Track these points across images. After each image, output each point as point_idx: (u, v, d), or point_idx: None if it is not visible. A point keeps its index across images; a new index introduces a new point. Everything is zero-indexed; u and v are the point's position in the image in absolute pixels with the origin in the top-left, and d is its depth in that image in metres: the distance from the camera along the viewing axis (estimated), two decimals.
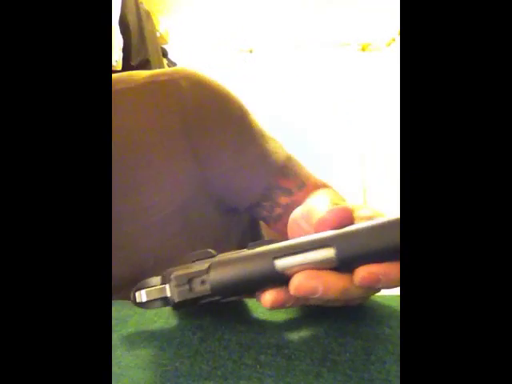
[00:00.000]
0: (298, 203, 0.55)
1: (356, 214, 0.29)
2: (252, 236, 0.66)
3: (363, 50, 3.06)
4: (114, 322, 0.32)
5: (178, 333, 0.28)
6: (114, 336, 0.29)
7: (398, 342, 0.25)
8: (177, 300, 0.26)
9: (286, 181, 0.56)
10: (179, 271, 0.27)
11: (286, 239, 0.26)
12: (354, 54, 3.06)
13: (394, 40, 2.84)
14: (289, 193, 0.56)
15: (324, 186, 0.60)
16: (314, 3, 2.74)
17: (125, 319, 0.31)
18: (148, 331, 0.29)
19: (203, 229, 0.54)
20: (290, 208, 0.55)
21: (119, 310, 0.34)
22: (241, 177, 0.53)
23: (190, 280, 0.26)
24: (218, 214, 0.57)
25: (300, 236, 0.30)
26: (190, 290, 0.26)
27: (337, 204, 0.29)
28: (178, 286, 0.26)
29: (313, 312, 0.30)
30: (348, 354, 0.24)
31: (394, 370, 0.22)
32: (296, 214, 0.32)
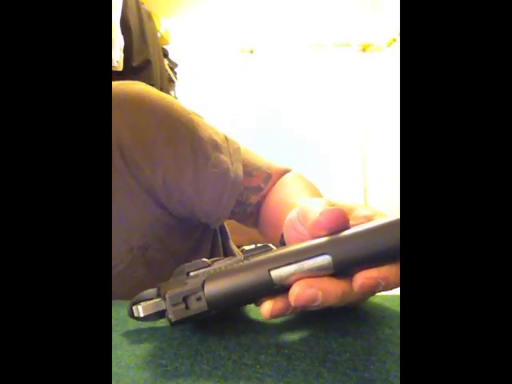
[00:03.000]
0: (266, 195, 0.55)
1: (353, 214, 0.29)
2: (222, 236, 0.64)
3: (364, 50, 3.05)
4: (113, 322, 0.32)
5: (178, 333, 0.28)
6: (114, 336, 0.29)
7: (398, 342, 0.25)
8: (173, 320, 0.26)
9: (252, 179, 0.54)
10: (174, 289, 0.26)
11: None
12: (355, 54, 3.05)
13: (394, 40, 2.83)
14: (258, 190, 0.54)
15: (286, 170, 0.58)
16: (315, 4, 2.75)
17: (125, 319, 0.31)
18: (148, 331, 0.29)
19: (168, 262, 0.51)
20: (260, 203, 0.55)
21: (119, 310, 0.34)
22: (209, 197, 0.50)
23: (185, 298, 0.26)
24: (184, 235, 0.54)
25: (296, 239, 0.30)
26: (187, 308, 0.26)
27: (332, 205, 0.29)
28: (173, 305, 0.26)
29: (313, 312, 0.30)
30: (348, 354, 0.24)
31: (394, 370, 0.22)
32: (292, 215, 0.32)
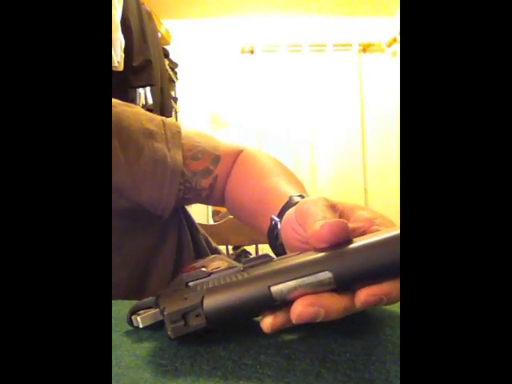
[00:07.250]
0: (222, 176, 0.53)
1: (354, 216, 0.29)
2: (191, 229, 0.62)
3: (364, 50, 3.05)
4: (113, 321, 0.32)
5: None
6: (114, 336, 0.29)
7: (397, 342, 0.25)
8: (173, 337, 0.26)
9: (198, 163, 0.52)
10: (172, 305, 0.26)
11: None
12: (355, 54, 3.05)
13: (394, 40, 2.83)
14: (207, 173, 0.53)
15: (238, 149, 0.56)
16: (316, 5, 2.74)
17: (125, 319, 0.31)
18: (148, 331, 0.29)
19: (123, 266, 0.50)
20: (215, 185, 0.53)
21: (119, 310, 0.34)
22: (149, 188, 0.49)
23: (184, 315, 0.26)
24: (140, 237, 0.52)
25: (294, 239, 0.30)
26: (186, 324, 0.25)
27: (334, 206, 0.29)
28: (172, 322, 0.26)
29: None
30: (348, 354, 0.24)
31: (394, 369, 0.22)
32: (289, 215, 0.32)
